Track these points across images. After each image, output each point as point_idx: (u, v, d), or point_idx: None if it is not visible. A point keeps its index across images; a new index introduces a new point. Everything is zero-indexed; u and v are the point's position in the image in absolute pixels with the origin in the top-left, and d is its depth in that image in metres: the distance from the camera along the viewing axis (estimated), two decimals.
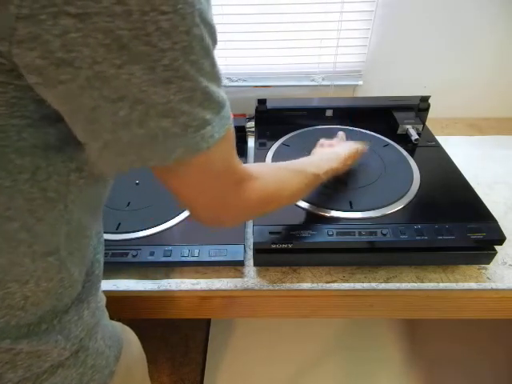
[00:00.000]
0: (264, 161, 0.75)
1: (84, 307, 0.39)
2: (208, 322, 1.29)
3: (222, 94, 0.32)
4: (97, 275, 0.42)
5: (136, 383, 0.49)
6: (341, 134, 0.73)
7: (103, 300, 0.44)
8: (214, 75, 0.30)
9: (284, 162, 0.49)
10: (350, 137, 0.83)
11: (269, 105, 0.88)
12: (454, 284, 0.60)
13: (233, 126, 0.34)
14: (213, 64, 0.30)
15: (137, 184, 0.75)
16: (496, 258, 0.60)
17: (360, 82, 1.02)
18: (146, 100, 0.26)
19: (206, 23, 0.27)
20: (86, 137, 0.28)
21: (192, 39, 0.26)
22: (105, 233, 0.63)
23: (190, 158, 0.30)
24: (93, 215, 0.38)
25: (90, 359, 0.39)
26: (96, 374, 0.40)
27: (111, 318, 0.47)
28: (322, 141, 0.68)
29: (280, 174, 0.46)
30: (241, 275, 0.62)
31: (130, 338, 0.49)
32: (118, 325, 0.48)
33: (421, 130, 0.84)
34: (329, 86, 1.02)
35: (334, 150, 0.61)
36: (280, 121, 0.88)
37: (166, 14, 0.24)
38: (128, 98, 0.26)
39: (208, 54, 0.29)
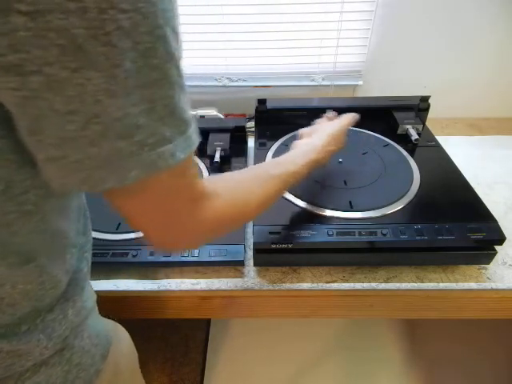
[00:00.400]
0: (264, 161, 0.75)
1: (69, 306, 0.38)
2: (208, 322, 1.29)
3: (188, 111, 0.29)
4: (84, 273, 0.42)
5: (125, 382, 0.48)
6: (330, 114, 0.67)
7: (92, 298, 0.43)
8: (182, 86, 0.28)
9: (255, 167, 0.46)
10: (348, 137, 0.84)
11: (269, 105, 0.88)
12: (454, 284, 0.60)
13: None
14: (179, 73, 0.27)
15: None
16: (496, 257, 0.60)
17: (360, 82, 1.02)
18: (102, 115, 0.24)
19: (170, 27, 0.26)
20: (30, 145, 0.26)
21: (155, 41, 0.24)
22: (105, 233, 0.64)
23: (145, 178, 0.28)
24: (69, 217, 0.37)
25: (75, 357, 0.39)
26: (82, 372, 0.39)
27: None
28: (301, 131, 0.62)
29: (247, 185, 0.43)
30: (241, 275, 0.62)
31: (121, 336, 0.48)
32: (110, 323, 0.47)
33: (421, 130, 0.84)
34: (329, 85, 1.02)
35: (310, 141, 0.57)
36: (280, 121, 0.88)
37: (125, 12, 0.22)
38: (80, 112, 0.23)
39: (174, 61, 0.26)
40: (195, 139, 0.31)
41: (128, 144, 0.26)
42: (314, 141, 0.57)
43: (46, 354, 0.36)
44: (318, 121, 0.66)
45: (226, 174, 0.41)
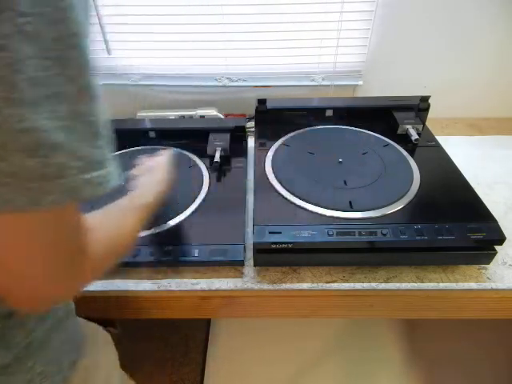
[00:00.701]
0: (264, 161, 0.75)
1: (30, 315, 0.36)
2: (208, 321, 1.29)
3: (108, 125, 0.27)
4: None
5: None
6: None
7: (65, 307, 0.42)
8: (99, 97, 0.26)
9: (117, 203, 0.44)
10: (348, 137, 0.84)
11: (269, 105, 0.88)
12: (454, 284, 0.60)
13: None
14: (96, 83, 0.25)
15: None
16: (496, 257, 0.60)
17: (360, 82, 1.02)
18: (2, 125, 0.21)
19: (85, 35, 0.24)
20: None
21: (69, 49, 0.23)
22: None
23: (62, 205, 0.25)
24: None
25: (38, 366, 0.37)
26: (46, 380, 0.38)
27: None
28: (136, 171, 0.60)
29: (122, 221, 0.41)
30: (241, 275, 0.62)
31: (99, 339, 0.48)
32: (89, 325, 0.46)
33: (421, 130, 0.84)
34: (329, 85, 1.02)
35: (153, 177, 0.57)
36: (280, 121, 0.88)
37: (25, 15, 0.20)
38: None
39: (90, 70, 0.25)
40: (117, 167, 0.28)
41: (43, 163, 0.23)
42: (156, 175, 0.57)
43: (4, 362, 0.35)
44: (143, 160, 0.64)
45: (99, 211, 0.39)
